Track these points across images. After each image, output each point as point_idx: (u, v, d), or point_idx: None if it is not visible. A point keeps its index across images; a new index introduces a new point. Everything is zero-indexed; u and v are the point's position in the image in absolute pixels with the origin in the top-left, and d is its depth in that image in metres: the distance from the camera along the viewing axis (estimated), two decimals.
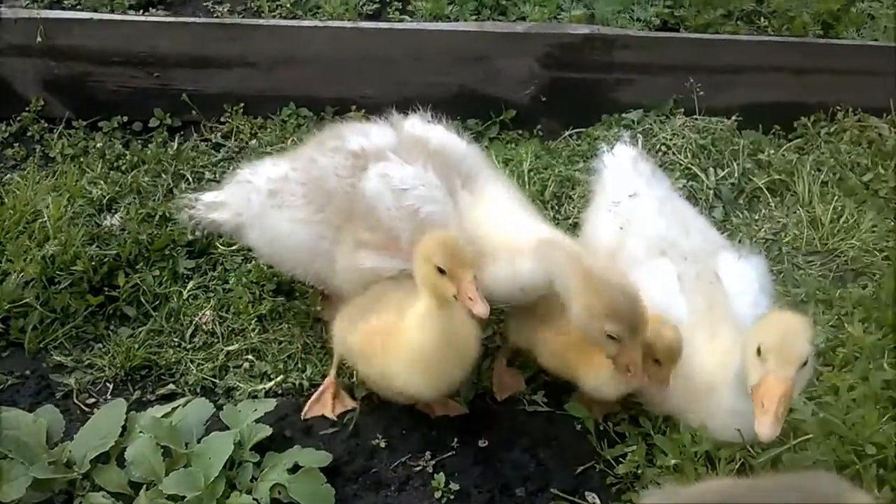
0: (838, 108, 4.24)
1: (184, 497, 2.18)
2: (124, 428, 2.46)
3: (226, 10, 4.70)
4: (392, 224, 2.52)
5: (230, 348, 3.03)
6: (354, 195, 2.57)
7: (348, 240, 2.58)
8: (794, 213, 3.75)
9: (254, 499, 2.20)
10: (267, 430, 2.42)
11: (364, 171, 2.57)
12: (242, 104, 4.15)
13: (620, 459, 2.59)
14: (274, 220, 2.69)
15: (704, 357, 2.48)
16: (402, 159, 2.57)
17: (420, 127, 2.80)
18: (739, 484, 2.15)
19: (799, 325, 2.08)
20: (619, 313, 2.21)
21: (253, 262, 3.29)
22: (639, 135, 3.91)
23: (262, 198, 2.71)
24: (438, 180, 2.55)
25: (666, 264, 2.69)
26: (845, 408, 2.66)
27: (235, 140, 4.08)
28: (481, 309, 2.15)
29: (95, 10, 4.36)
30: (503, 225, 2.58)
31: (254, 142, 4.03)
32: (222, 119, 4.16)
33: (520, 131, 4.21)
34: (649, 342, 2.30)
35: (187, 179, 3.79)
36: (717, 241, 2.93)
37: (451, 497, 2.41)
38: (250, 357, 3.00)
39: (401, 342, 2.34)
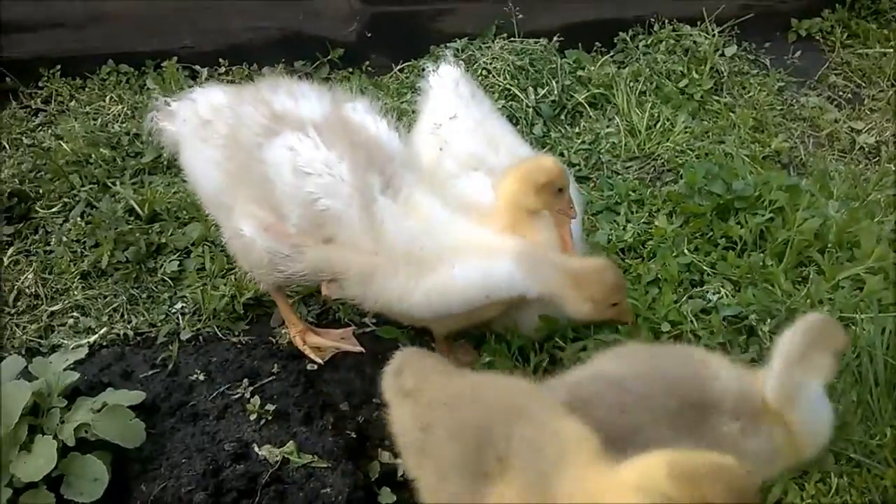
0: (654, 19, 4.40)
1: None
2: None
3: None
4: (283, 203, 2.30)
5: (54, 308, 2.99)
6: (255, 158, 2.34)
7: (239, 202, 2.41)
8: (613, 123, 3.91)
9: (59, 439, 2.20)
10: (74, 376, 2.41)
11: (273, 137, 2.33)
12: (59, 66, 4.03)
13: None
14: (196, 152, 2.50)
15: None
16: (320, 139, 2.30)
17: (359, 114, 2.46)
18: (602, 376, 2.20)
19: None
20: (618, 286, 2.41)
21: (72, 220, 3.25)
22: (461, 62, 3.98)
23: (197, 122, 2.51)
24: (350, 176, 2.27)
25: (480, 177, 2.78)
26: (644, 291, 2.83)
27: (55, 104, 3.97)
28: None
29: None
30: (457, 231, 2.39)
31: (73, 103, 3.93)
32: (40, 84, 4.04)
33: (350, 69, 4.23)
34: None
35: (4, 148, 3.67)
36: (526, 157, 3.04)
37: (269, 418, 2.46)
38: (75, 314, 2.97)
39: None
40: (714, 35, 4.36)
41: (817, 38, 4.68)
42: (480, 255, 2.34)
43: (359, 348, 2.74)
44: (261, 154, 2.32)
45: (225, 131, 2.43)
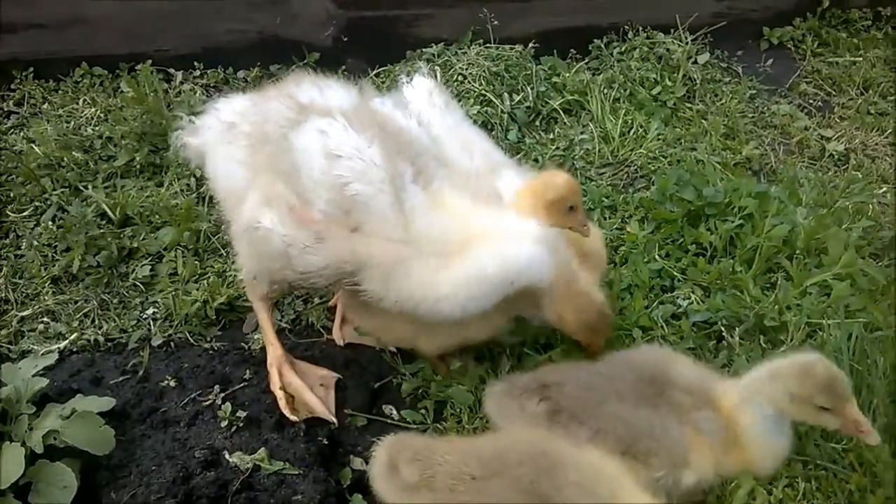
0: (627, 27, 4.44)
1: None
2: None
3: None
4: (310, 188, 2.20)
5: (24, 313, 2.97)
6: (283, 147, 2.27)
7: (258, 192, 2.32)
8: (588, 129, 3.93)
9: (27, 446, 2.18)
10: (43, 382, 2.39)
11: (301, 124, 2.25)
12: (32, 69, 4.00)
13: (412, 376, 2.70)
14: (222, 154, 2.45)
15: None
16: (349, 125, 2.22)
17: (388, 108, 2.45)
18: (574, 365, 2.37)
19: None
20: (591, 327, 2.44)
21: (42, 224, 3.23)
22: (437, 67, 4.00)
23: (221, 128, 2.48)
24: (382, 161, 2.18)
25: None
26: (616, 297, 2.85)
27: (28, 106, 3.93)
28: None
29: None
30: (481, 219, 2.31)
31: (46, 106, 3.90)
32: (13, 86, 4.00)
33: (326, 73, 4.20)
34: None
35: None
36: (501, 162, 3.05)
37: (240, 424, 2.46)
38: (45, 319, 2.95)
39: None
40: (687, 43, 4.41)
41: (789, 46, 4.75)
42: (503, 240, 2.26)
43: (332, 419, 2.54)
44: (288, 142, 2.24)
45: (249, 130, 2.39)
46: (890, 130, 4.07)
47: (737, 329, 2.70)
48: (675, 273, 2.98)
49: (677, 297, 2.88)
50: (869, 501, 2.17)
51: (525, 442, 2.00)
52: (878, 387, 2.42)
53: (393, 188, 2.18)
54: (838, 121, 4.19)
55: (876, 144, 4.00)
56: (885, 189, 3.63)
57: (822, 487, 2.24)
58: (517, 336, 2.65)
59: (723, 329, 2.72)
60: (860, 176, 3.68)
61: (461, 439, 2.17)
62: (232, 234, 2.50)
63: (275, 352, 2.64)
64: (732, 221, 3.09)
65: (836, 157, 3.90)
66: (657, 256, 3.05)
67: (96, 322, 2.93)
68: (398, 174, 2.20)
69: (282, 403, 2.54)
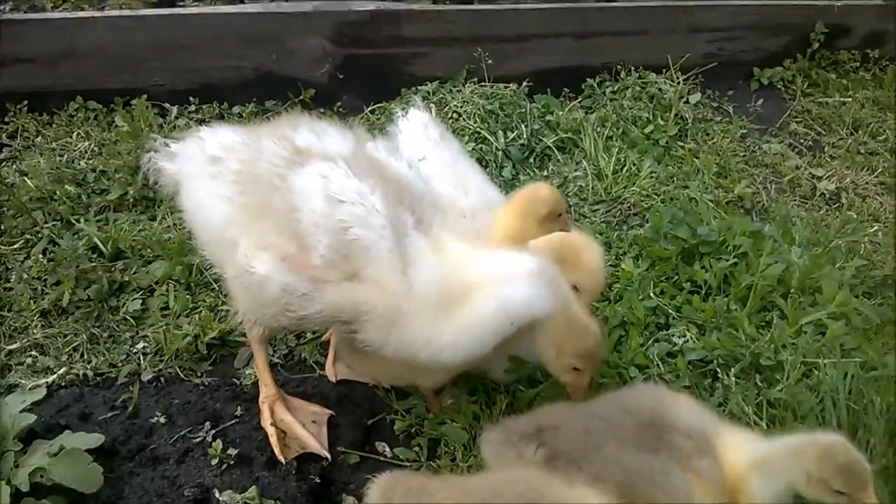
0: (620, 66, 4.50)
1: None
2: None
3: (7, 7, 4.50)
4: (309, 232, 2.15)
5: (12, 347, 2.92)
6: (279, 189, 2.22)
7: (253, 236, 2.25)
8: (581, 167, 3.95)
9: (13, 484, 2.14)
10: (30, 419, 2.35)
11: (300, 166, 2.23)
12: (26, 102, 4.00)
13: (405, 414, 2.67)
14: (203, 188, 2.38)
15: None
16: (351, 172, 2.21)
17: (381, 153, 2.42)
18: (570, 407, 2.29)
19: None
20: (590, 354, 2.34)
21: (33, 257, 3.20)
22: (432, 104, 4.03)
23: (204, 160, 2.41)
24: (384, 208, 2.16)
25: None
26: (609, 334, 2.84)
27: (21, 139, 3.93)
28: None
29: None
30: (481, 264, 2.27)
31: (40, 139, 3.89)
32: (6, 119, 4.00)
33: (321, 110, 4.24)
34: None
35: None
36: (495, 199, 3.06)
37: (231, 462, 2.42)
38: (34, 353, 2.91)
39: None
40: (679, 83, 4.46)
41: (779, 86, 4.82)
42: (499, 282, 2.21)
43: (325, 453, 2.51)
44: (286, 183, 2.20)
45: (237, 167, 2.33)
46: (880, 170, 4.11)
47: (732, 368, 2.69)
48: (670, 311, 2.97)
49: (672, 335, 2.87)
50: None
51: (521, 483, 1.95)
52: (875, 427, 2.41)
53: (394, 234, 2.15)
54: (829, 160, 4.23)
55: (866, 183, 4.04)
56: (876, 228, 3.65)
57: None
58: (512, 373, 2.63)
59: (718, 368, 2.71)
60: (854, 216, 3.71)
61: (455, 478, 2.14)
62: (224, 274, 2.45)
63: (268, 391, 2.60)
64: (727, 260, 3.09)
65: (828, 195, 3.93)
66: (652, 294, 3.05)
67: (85, 356, 2.89)
68: (400, 221, 2.18)
69: (273, 440, 2.50)
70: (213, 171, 2.38)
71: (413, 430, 2.61)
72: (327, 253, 2.14)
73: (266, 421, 2.54)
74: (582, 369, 2.41)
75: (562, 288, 2.31)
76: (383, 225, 2.15)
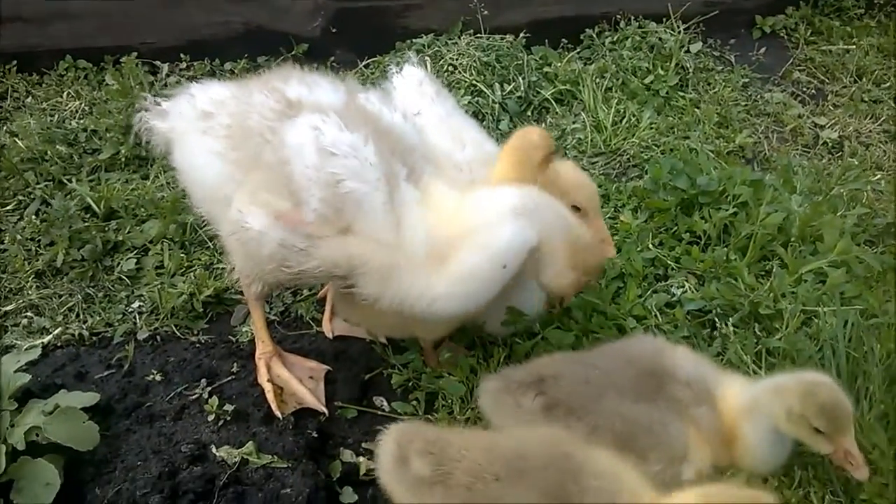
0: (619, 16, 4.40)
1: None
2: None
3: None
4: (303, 186, 2.11)
5: (7, 308, 2.92)
6: (270, 142, 2.19)
7: (246, 191, 2.22)
8: (580, 119, 3.89)
9: (9, 443, 2.13)
10: (26, 378, 2.34)
11: (292, 119, 2.19)
12: (15, 62, 3.94)
13: (403, 368, 2.65)
14: (196, 144, 2.34)
15: None
16: (343, 124, 2.15)
17: (374, 104, 2.37)
18: (570, 357, 2.31)
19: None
20: (599, 266, 2.42)
21: (26, 218, 3.18)
22: (427, 58, 3.96)
23: (195, 116, 2.37)
24: (377, 160, 2.13)
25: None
26: (607, 286, 2.82)
27: (11, 100, 3.88)
28: None
29: None
30: (468, 212, 2.24)
31: (30, 99, 3.84)
32: None
33: (314, 65, 4.14)
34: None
35: None
36: (493, 153, 3.02)
37: (228, 418, 2.41)
38: (29, 314, 2.90)
39: None
40: (679, 32, 4.37)
41: (781, 34, 4.72)
42: (482, 229, 2.18)
43: (323, 408, 2.50)
44: (279, 136, 2.16)
45: (228, 121, 2.30)
46: (884, 118, 4.05)
47: (731, 317, 2.67)
48: (669, 262, 2.94)
49: (671, 286, 2.84)
50: (865, 489, 2.13)
51: (548, 443, 1.90)
52: (875, 374, 2.39)
53: (387, 187, 2.13)
54: (832, 109, 4.16)
55: (870, 132, 3.97)
56: (878, 176, 3.60)
57: (817, 475, 2.21)
58: (509, 326, 2.61)
59: (716, 318, 2.69)
60: (855, 163, 3.65)
61: (474, 434, 2.06)
62: (220, 232, 2.42)
63: (264, 347, 2.58)
64: (726, 210, 3.05)
65: (830, 144, 3.87)
66: (651, 245, 3.01)
67: (81, 316, 2.88)
68: (392, 173, 2.16)
69: (269, 396, 2.49)
70: (204, 127, 2.34)
71: (410, 384, 2.60)
72: (320, 207, 2.11)
73: (263, 377, 2.53)
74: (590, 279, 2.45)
75: (552, 210, 2.26)
76: (377, 178, 2.12)
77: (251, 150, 2.23)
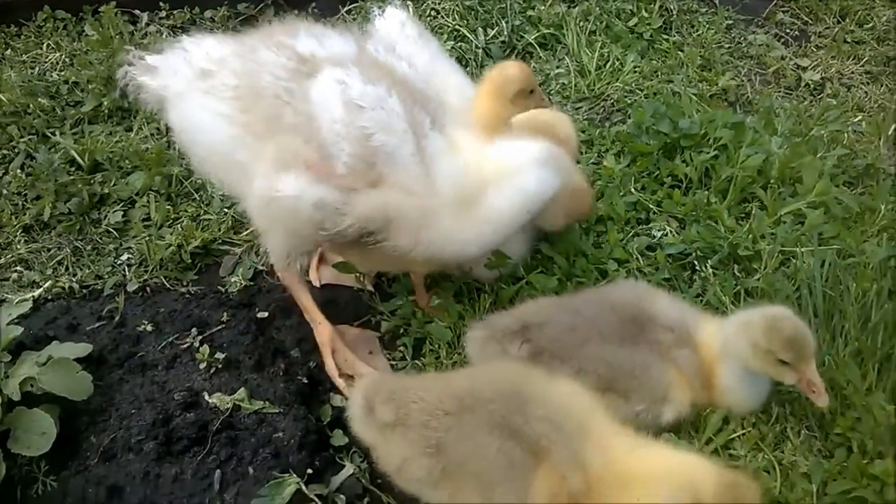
0: None
1: None
2: None
3: None
4: (332, 141, 2.09)
5: None
6: (289, 102, 2.15)
7: (270, 158, 2.14)
8: (564, 63, 3.88)
9: (4, 394, 2.18)
10: (18, 331, 2.38)
11: (311, 77, 2.15)
12: None
13: (391, 315, 2.71)
14: (197, 105, 2.27)
15: None
16: (362, 76, 2.13)
17: (383, 55, 2.36)
18: (554, 303, 2.38)
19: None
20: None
21: (11, 172, 3.18)
22: (409, 2, 3.92)
23: (193, 75, 2.30)
24: (402, 110, 2.12)
25: None
26: (588, 231, 2.86)
27: None
28: None
29: None
30: (494, 158, 2.30)
31: (9, 52, 3.80)
32: None
33: (296, 11, 4.11)
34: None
35: None
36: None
37: (219, 366, 2.45)
38: (18, 268, 2.92)
39: None
40: None
41: None
42: (513, 175, 2.26)
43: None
44: (300, 93, 2.13)
45: (235, 81, 2.23)
46: (866, 59, 4.05)
47: (710, 259, 2.72)
48: (651, 206, 2.98)
49: (652, 230, 2.88)
50: (839, 423, 2.21)
51: (498, 379, 1.99)
52: (850, 312, 2.45)
53: (415, 137, 2.13)
54: (815, 50, 4.16)
55: (852, 73, 3.98)
56: (860, 118, 3.63)
57: (794, 411, 2.29)
58: (494, 268, 2.65)
59: (696, 261, 2.74)
60: (835, 104, 3.67)
61: (435, 376, 2.17)
62: (245, 207, 2.37)
63: (325, 330, 2.53)
64: (708, 153, 3.08)
65: (812, 86, 3.88)
66: (633, 189, 3.04)
67: (70, 269, 2.91)
68: (417, 123, 2.15)
69: (341, 384, 2.48)
70: (205, 87, 2.28)
71: (399, 330, 2.65)
72: (350, 161, 2.11)
73: (332, 370, 2.50)
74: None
75: (566, 164, 2.43)
76: (405, 129, 2.12)
77: (265, 113, 2.19)
